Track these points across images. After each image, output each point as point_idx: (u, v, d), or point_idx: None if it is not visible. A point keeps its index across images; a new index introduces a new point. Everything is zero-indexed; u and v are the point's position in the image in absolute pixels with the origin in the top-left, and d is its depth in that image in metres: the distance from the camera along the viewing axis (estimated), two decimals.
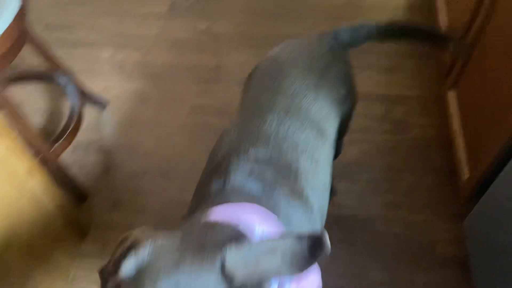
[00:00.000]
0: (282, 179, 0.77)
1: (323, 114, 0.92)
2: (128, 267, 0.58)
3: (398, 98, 1.74)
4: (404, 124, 1.67)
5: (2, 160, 1.00)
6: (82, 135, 1.66)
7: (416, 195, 1.51)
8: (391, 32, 1.09)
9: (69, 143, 1.50)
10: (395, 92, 1.76)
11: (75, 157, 1.64)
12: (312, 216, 0.79)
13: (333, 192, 1.46)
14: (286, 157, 0.81)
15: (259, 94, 0.92)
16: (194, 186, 1.62)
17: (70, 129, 1.49)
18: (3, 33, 1.15)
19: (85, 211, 1.51)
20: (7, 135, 1.01)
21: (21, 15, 1.22)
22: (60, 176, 1.39)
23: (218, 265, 0.55)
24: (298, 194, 0.78)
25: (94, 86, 1.81)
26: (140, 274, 0.57)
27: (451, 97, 1.49)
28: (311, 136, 0.87)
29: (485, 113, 1.25)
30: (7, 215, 1.03)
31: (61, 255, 1.32)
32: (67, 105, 1.54)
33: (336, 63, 1.00)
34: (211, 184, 0.78)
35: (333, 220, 1.45)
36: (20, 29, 1.24)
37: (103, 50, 1.96)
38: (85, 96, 1.67)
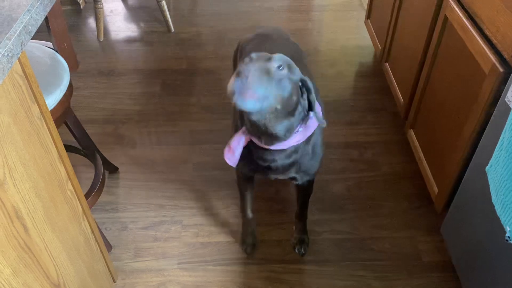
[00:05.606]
0: None
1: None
2: None
3: (367, 144, 2.09)
4: (375, 163, 2.01)
5: (69, 200, 1.19)
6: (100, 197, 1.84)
7: (396, 217, 1.80)
8: None
9: (95, 202, 1.68)
10: (363, 139, 2.11)
11: (95, 216, 1.80)
12: None
13: None
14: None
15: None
16: (210, 229, 1.91)
17: (95, 191, 1.67)
18: (53, 108, 1.36)
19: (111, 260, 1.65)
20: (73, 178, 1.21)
21: (69, 93, 1.45)
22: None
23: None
24: None
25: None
26: None
27: (411, 134, 1.86)
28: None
29: (440, 141, 1.61)
30: (70, 247, 1.19)
31: None
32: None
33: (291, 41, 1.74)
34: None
35: (334, 244, 1.70)
36: (65, 106, 1.46)
37: (106, 126, 2.20)
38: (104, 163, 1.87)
